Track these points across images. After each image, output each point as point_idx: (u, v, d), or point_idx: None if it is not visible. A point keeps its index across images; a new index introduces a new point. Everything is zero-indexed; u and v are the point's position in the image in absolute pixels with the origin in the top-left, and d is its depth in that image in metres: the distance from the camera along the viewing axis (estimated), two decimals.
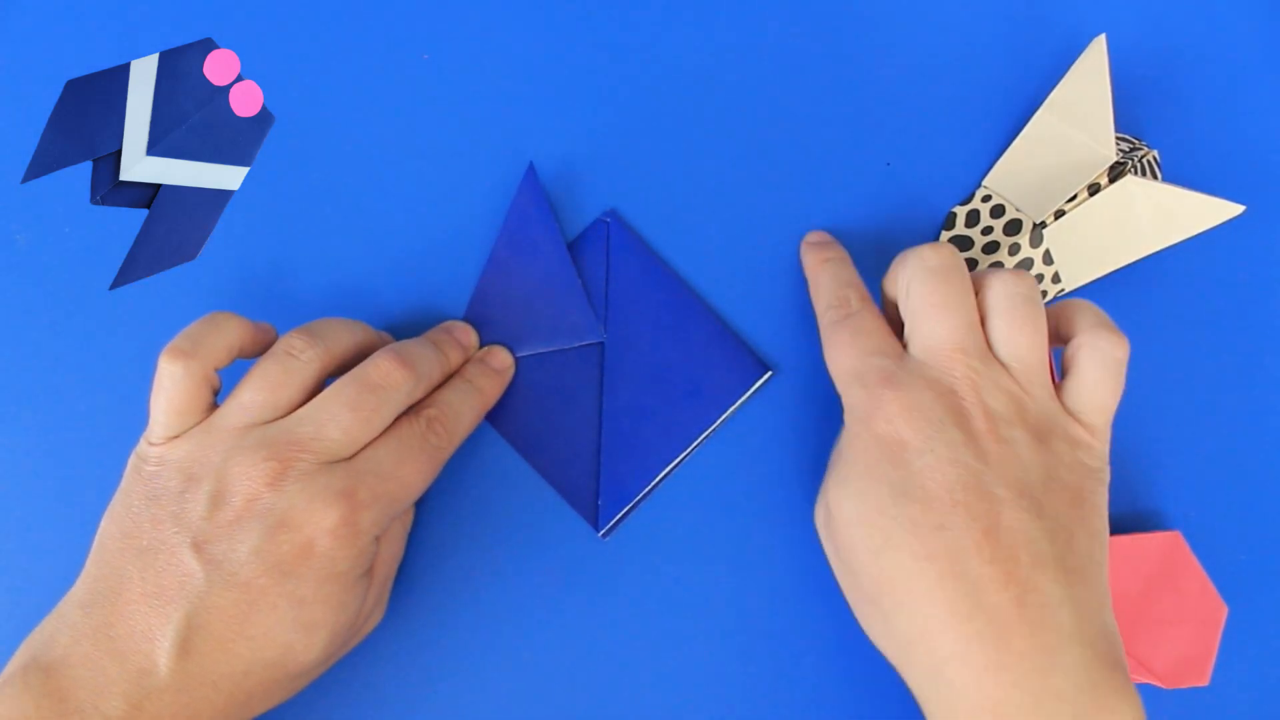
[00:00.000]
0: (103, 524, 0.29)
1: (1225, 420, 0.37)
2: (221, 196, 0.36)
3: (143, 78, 0.36)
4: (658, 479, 0.35)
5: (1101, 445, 0.29)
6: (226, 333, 0.30)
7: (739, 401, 0.35)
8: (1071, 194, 0.34)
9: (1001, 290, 0.29)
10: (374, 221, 0.36)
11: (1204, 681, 0.34)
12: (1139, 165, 0.35)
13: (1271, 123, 0.38)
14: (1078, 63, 0.36)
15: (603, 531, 0.34)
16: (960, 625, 0.26)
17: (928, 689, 0.27)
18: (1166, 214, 0.34)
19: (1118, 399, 0.29)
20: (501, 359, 0.35)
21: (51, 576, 0.34)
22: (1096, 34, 0.35)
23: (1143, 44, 0.38)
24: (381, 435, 0.29)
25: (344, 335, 0.31)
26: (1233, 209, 0.34)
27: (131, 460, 0.30)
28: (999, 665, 0.25)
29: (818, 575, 0.34)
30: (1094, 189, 0.34)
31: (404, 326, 0.36)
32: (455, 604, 0.34)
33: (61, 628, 0.27)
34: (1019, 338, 0.29)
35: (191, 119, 0.36)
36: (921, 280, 0.29)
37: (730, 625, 0.34)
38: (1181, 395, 0.37)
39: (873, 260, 0.37)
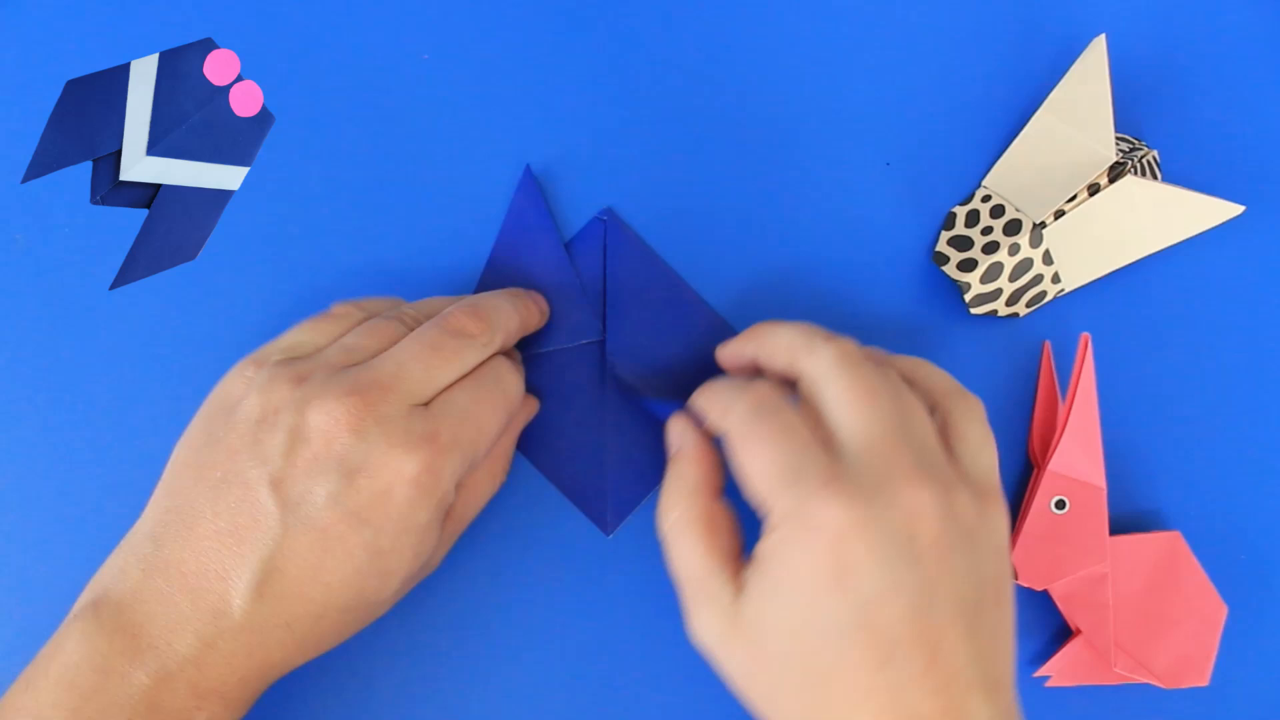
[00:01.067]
0: (176, 449, 0.29)
1: (1225, 420, 0.37)
2: (221, 196, 0.36)
3: (143, 78, 0.36)
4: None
5: (1005, 513, 0.28)
6: (388, 302, 0.32)
7: None
8: (1071, 194, 0.34)
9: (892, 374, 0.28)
10: (373, 222, 0.36)
11: (1204, 681, 0.34)
12: (1139, 165, 0.35)
13: (1271, 123, 0.38)
14: (1078, 63, 0.36)
15: (612, 534, 0.34)
16: None
17: None
18: (1166, 214, 0.34)
19: (996, 454, 0.29)
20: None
21: (52, 576, 0.34)
22: (1096, 34, 0.35)
23: (1143, 44, 0.38)
24: (458, 381, 0.29)
25: (514, 317, 0.32)
26: (1233, 209, 0.34)
27: (217, 385, 0.29)
28: None
29: None
30: (1094, 189, 0.34)
31: None
32: (462, 605, 0.34)
33: (131, 561, 0.27)
34: (929, 420, 0.28)
35: (191, 119, 0.36)
36: (836, 375, 0.27)
37: None
38: (1181, 395, 0.37)
39: (873, 260, 0.37)
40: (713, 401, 0.30)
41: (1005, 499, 0.28)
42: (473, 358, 0.30)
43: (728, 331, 0.35)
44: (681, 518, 0.29)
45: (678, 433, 0.31)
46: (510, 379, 0.31)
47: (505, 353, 0.33)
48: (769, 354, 0.30)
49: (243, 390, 0.28)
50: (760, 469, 0.27)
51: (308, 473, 0.26)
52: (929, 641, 0.25)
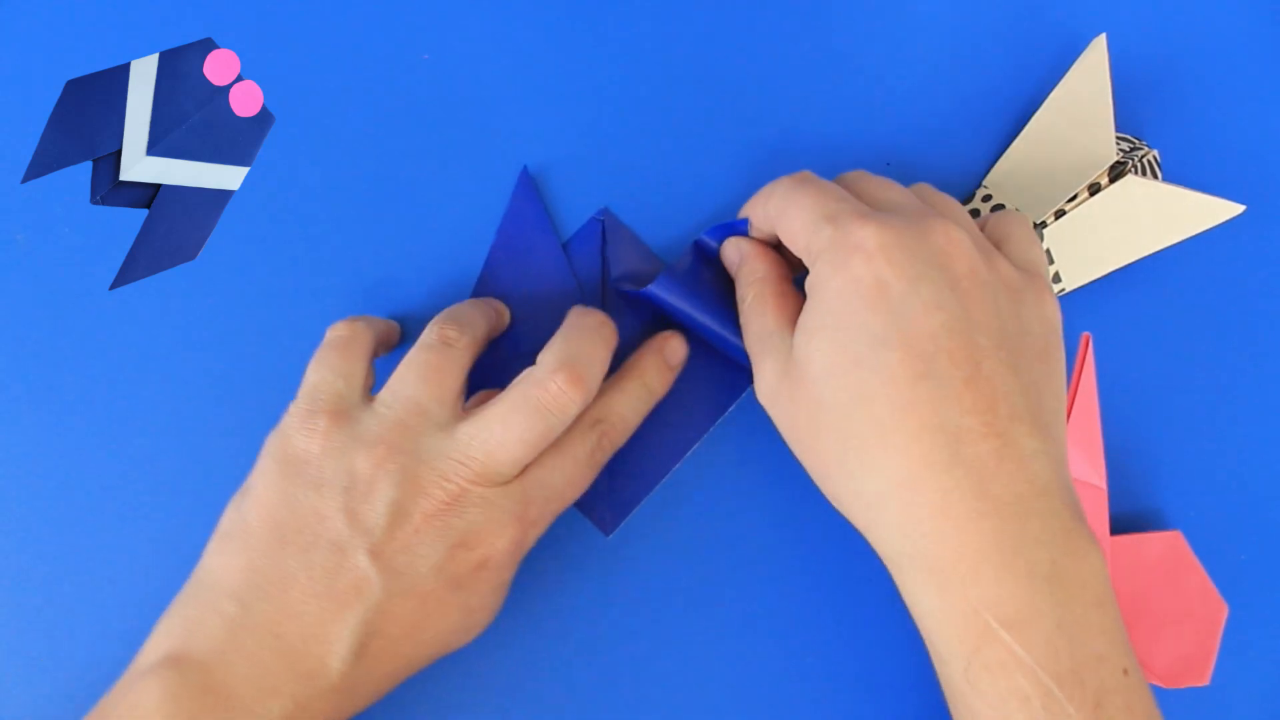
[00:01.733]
0: (244, 505, 0.28)
1: (1225, 420, 0.37)
2: (221, 196, 0.36)
3: (143, 78, 0.36)
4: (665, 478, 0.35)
5: (1056, 302, 0.29)
6: (377, 322, 0.32)
7: (741, 396, 0.35)
8: (1071, 194, 0.34)
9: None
10: (372, 222, 0.36)
11: (1204, 681, 0.34)
12: (1139, 165, 0.35)
13: (1271, 123, 0.38)
14: (1078, 63, 0.36)
15: (611, 534, 0.34)
16: (939, 477, 0.25)
17: (901, 544, 0.26)
18: (1166, 214, 0.34)
19: (1045, 256, 0.30)
20: (677, 353, 0.33)
21: (52, 576, 0.34)
22: (1096, 34, 0.35)
23: (1143, 44, 0.38)
24: (551, 449, 0.29)
25: (482, 321, 0.32)
26: (1233, 209, 0.34)
27: (276, 441, 0.29)
28: (979, 513, 0.25)
29: (821, 566, 0.34)
30: (1094, 189, 0.34)
31: (403, 327, 0.35)
32: None
33: (212, 618, 0.26)
34: (964, 214, 0.30)
35: (191, 119, 0.36)
36: (862, 177, 0.30)
37: (735, 622, 0.34)
38: (1181, 395, 0.37)
39: None
40: (753, 202, 0.31)
41: (1055, 294, 0.29)
42: (565, 426, 0.29)
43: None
44: (756, 295, 0.30)
45: (732, 247, 0.32)
46: (606, 450, 0.31)
47: (677, 346, 0.33)
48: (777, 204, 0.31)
49: (318, 449, 0.28)
50: (802, 220, 0.28)
51: (409, 545, 0.27)
52: (969, 359, 0.25)
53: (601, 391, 0.31)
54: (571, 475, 0.30)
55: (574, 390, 0.29)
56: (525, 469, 0.29)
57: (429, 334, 0.30)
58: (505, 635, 0.34)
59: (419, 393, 0.29)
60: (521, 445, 0.28)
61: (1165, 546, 0.34)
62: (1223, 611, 0.34)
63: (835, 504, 0.28)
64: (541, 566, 0.35)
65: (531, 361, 0.32)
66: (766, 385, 0.29)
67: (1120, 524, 0.35)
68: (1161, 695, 0.35)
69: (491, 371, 0.34)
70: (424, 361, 0.29)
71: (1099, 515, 0.33)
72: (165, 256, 0.36)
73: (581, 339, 0.30)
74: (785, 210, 0.29)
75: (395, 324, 0.34)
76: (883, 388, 0.25)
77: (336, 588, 0.27)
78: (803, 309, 0.28)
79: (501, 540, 0.28)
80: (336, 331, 0.31)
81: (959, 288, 0.26)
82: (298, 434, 0.28)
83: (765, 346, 0.29)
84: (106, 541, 0.34)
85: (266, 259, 0.36)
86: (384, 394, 0.29)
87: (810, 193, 0.29)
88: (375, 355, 0.31)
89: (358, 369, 0.30)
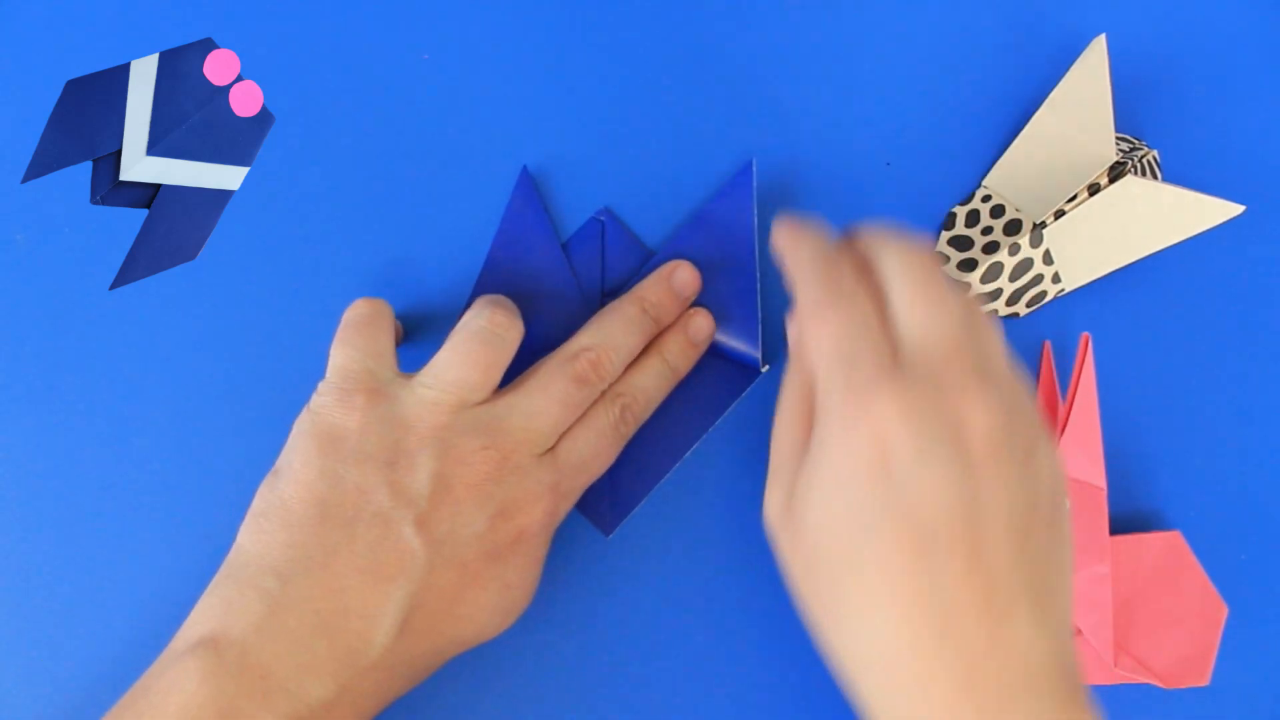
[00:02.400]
0: (279, 484, 0.28)
1: (1225, 420, 0.37)
2: (221, 196, 0.36)
3: (143, 78, 0.36)
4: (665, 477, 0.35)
5: (1058, 447, 0.29)
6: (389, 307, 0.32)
7: (741, 395, 0.35)
8: (1071, 194, 0.34)
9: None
10: (372, 222, 0.36)
11: (1204, 681, 0.34)
12: (1139, 165, 0.35)
13: (1271, 123, 0.38)
14: (1078, 63, 0.36)
15: (612, 534, 0.34)
16: (925, 659, 0.24)
17: (881, 709, 0.26)
18: (1166, 214, 0.34)
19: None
20: (702, 329, 0.34)
21: (52, 576, 0.34)
22: (1096, 34, 0.35)
23: (1143, 44, 0.38)
24: (579, 423, 0.30)
25: (513, 309, 0.32)
26: (1233, 209, 0.34)
27: (309, 420, 0.28)
28: (960, 702, 0.24)
29: None
30: (1094, 189, 0.34)
31: (404, 327, 0.36)
32: None
33: (252, 596, 0.26)
34: (1001, 342, 0.28)
35: (191, 119, 0.36)
36: (909, 275, 0.27)
37: (735, 622, 0.34)
38: (1181, 395, 0.37)
39: None
40: (794, 265, 0.29)
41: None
42: (594, 398, 0.31)
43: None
44: (791, 402, 0.29)
45: (793, 325, 0.30)
46: (629, 422, 0.32)
47: (701, 323, 0.34)
48: (865, 238, 0.30)
49: (357, 425, 0.28)
50: (820, 351, 0.27)
51: (452, 515, 0.27)
52: (972, 540, 0.24)
53: (627, 369, 0.32)
54: (598, 447, 0.31)
55: (603, 367, 0.30)
56: (556, 442, 0.30)
57: (479, 318, 0.30)
58: (505, 635, 0.34)
59: (463, 377, 0.29)
60: (560, 408, 0.29)
61: (1165, 546, 0.34)
62: (1223, 611, 0.34)
63: (820, 643, 0.28)
64: (544, 568, 0.35)
65: (531, 361, 0.32)
66: (772, 513, 0.29)
67: (1120, 524, 0.35)
68: (1161, 695, 0.35)
69: None
70: (473, 350, 0.29)
71: (1099, 515, 0.33)
72: (165, 256, 0.36)
73: (619, 323, 0.32)
74: (806, 332, 0.28)
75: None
76: (878, 558, 0.25)
77: (380, 560, 0.26)
78: (809, 451, 0.27)
79: (537, 510, 0.29)
80: (358, 310, 0.30)
81: (971, 466, 0.25)
82: (334, 411, 0.28)
83: (779, 471, 0.29)
84: (107, 542, 0.34)
85: (266, 259, 0.36)
86: (426, 375, 0.29)
87: (832, 320, 0.27)
88: (394, 333, 0.31)
89: (385, 346, 0.30)
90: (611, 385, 0.32)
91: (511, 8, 0.37)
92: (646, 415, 0.33)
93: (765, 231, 0.37)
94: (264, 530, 0.27)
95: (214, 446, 0.35)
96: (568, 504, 0.31)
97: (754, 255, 0.35)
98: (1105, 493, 0.33)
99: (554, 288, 0.35)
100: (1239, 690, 0.35)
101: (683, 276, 0.34)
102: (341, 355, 0.29)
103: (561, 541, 0.35)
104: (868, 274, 0.29)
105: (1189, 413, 0.37)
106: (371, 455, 0.27)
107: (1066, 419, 0.33)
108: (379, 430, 0.28)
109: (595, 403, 0.31)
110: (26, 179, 0.35)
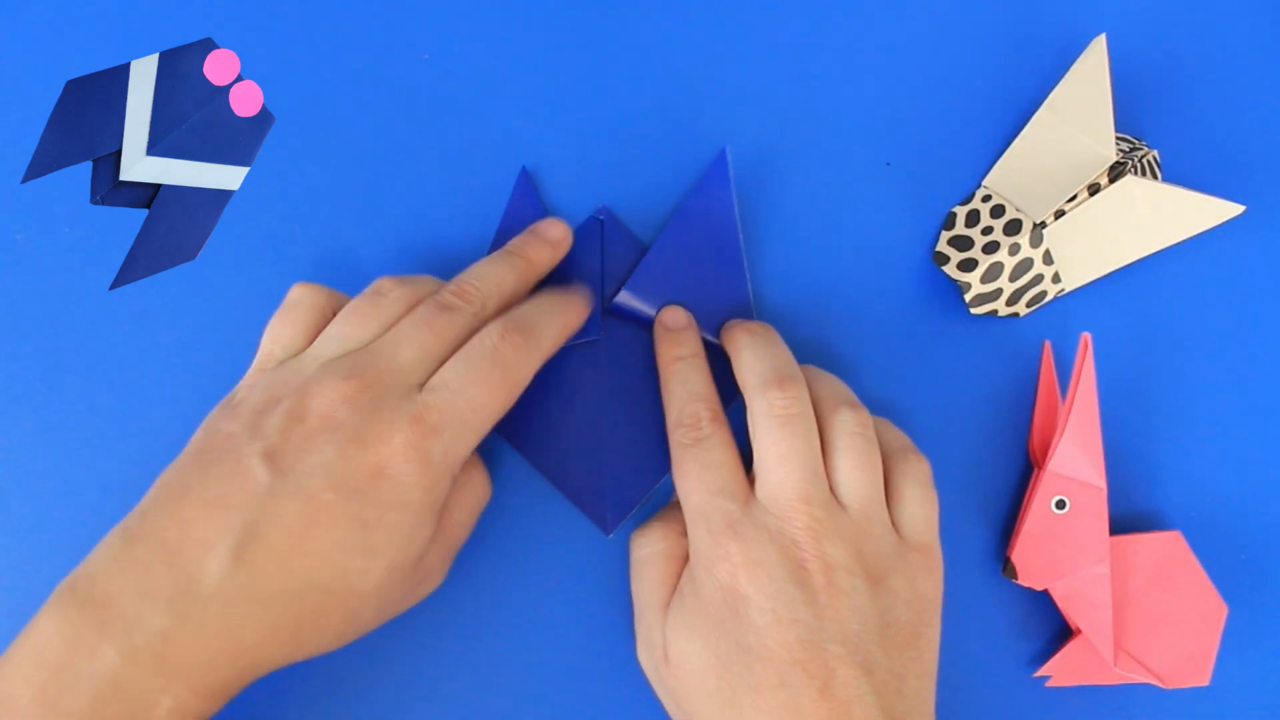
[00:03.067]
0: (181, 453, 0.29)
1: (1225, 420, 0.37)
2: (221, 196, 0.36)
3: (143, 78, 0.36)
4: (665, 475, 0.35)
5: (936, 564, 0.31)
6: (341, 294, 0.32)
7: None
8: (1071, 194, 0.34)
9: (842, 428, 0.31)
10: (372, 222, 0.36)
11: (1204, 681, 0.34)
12: (1139, 165, 0.35)
13: (1271, 123, 0.38)
14: (1078, 63, 0.36)
15: (612, 533, 0.34)
16: None
17: None
18: (1166, 214, 0.34)
19: (937, 512, 0.31)
20: (581, 288, 0.34)
21: (51, 576, 0.34)
22: (1096, 34, 0.35)
23: (1143, 44, 0.38)
24: (453, 356, 0.29)
25: (430, 283, 0.32)
26: (1233, 209, 0.34)
27: (221, 401, 0.30)
28: None
29: None
30: (1094, 189, 0.34)
31: None
32: (461, 605, 0.34)
33: (114, 534, 0.27)
34: (859, 475, 0.30)
35: (191, 119, 0.36)
36: (768, 427, 0.30)
37: None
38: (1181, 395, 0.37)
39: (873, 260, 0.37)
40: (664, 388, 0.33)
41: (939, 554, 0.31)
42: (465, 325, 0.30)
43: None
44: (648, 557, 0.32)
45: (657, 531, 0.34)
46: (514, 347, 0.29)
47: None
48: (738, 368, 0.32)
49: (244, 395, 0.29)
50: (683, 494, 0.31)
51: (301, 445, 0.27)
52: (821, 670, 0.27)
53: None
54: (472, 374, 0.28)
55: (468, 291, 0.30)
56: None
57: (438, 296, 0.31)
58: (506, 633, 0.34)
59: (343, 331, 0.30)
60: (423, 331, 0.29)
61: (1165, 546, 0.34)
62: (1223, 611, 0.34)
63: None
64: (541, 566, 0.35)
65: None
66: (648, 663, 0.32)
67: (1120, 524, 0.35)
68: (1162, 695, 0.35)
69: None
70: (354, 307, 0.30)
71: (1099, 515, 0.33)
72: (165, 256, 0.36)
73: (486, 261, 0.32)
74: (680, 470, 0.31)
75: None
76: (747, 693, 0.27)
77: (226, 491, 0.26)
78: (677, 594, 0.30)
79: (397, 440, 0.27)
80: (290, 295, 0.31)
81: (814, 600, 0.28)
82: (236, 390, 0.30)
83: (648, 624, 0.31)
84: None
85: (266, 259, 0.36)
86: (315, 341, 0.30)
87: (692, 474, 0.30)
88: (329, 316, 0.31)
89: (295, 333, 0.31)
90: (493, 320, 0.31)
91: (511, 8, 0.37)
92: (536, 346, 0.30)
93: (752, 220, 0.37)
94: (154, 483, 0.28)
95: None
96: (444, 444, 0.28)
97: (740, 246, 0.35)
98: (1105, 493, 0.33)
99: (553, 285, 0.35)
100: (1239, 690, 0.35)
101: (549, 231, 0.34)
102: (262, 341, 0.31)
103: (562, 541, 0.35)
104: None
105: (1189, 413, 0.37)
106: (247, 409, 0.28)
107: (1066, 419, 0.33)
108: (260, 390, 0.29)
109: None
110: (26, 179, 0.35)
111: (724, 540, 0.29)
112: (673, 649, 0.30)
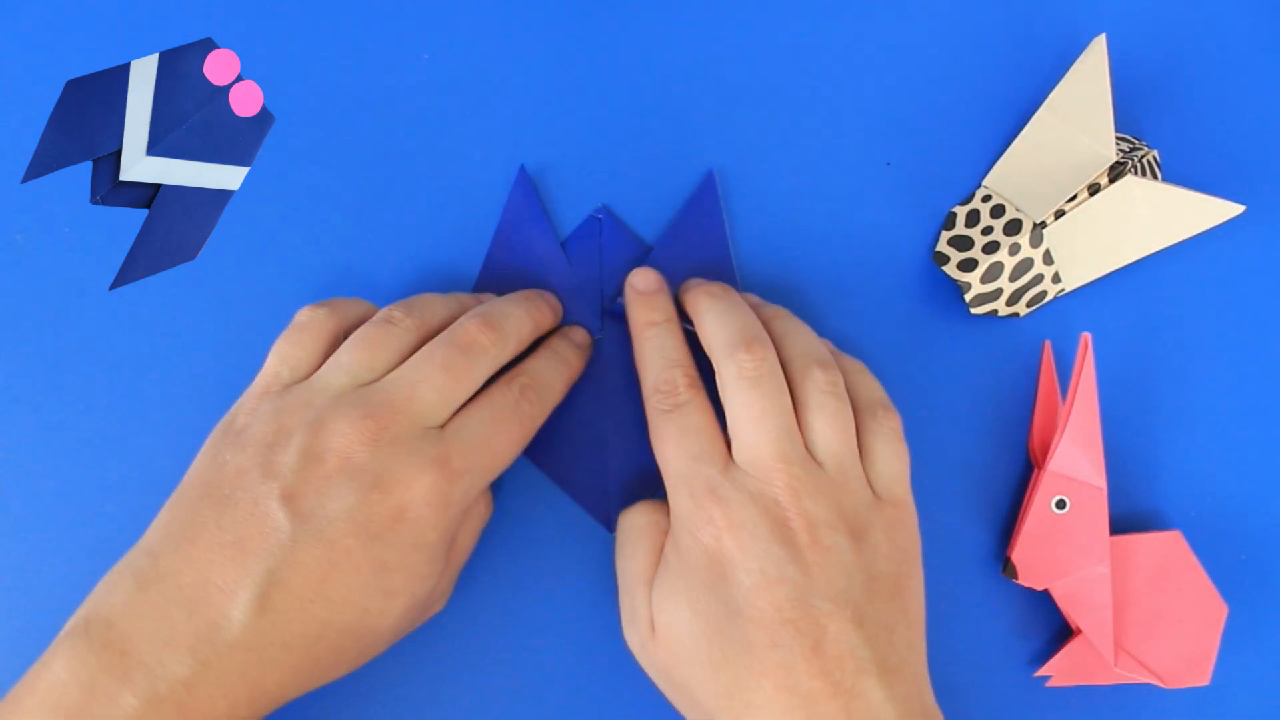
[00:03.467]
0: (184, 479, 0.29)
1: (1225, 420, 0.37)
2: (221, 196, 0.36)
3: (143, 78, 0.36)
4: None
5: (911, 517, 0.30)
6: (357, 304, 0.32)
7: None
8: (1071, 194, 0.34)
9: (812, 387, 0.30)
10: (372, 222, 0.36)
11: (1204, 681, 0.34)
12: (1139, 165, 0.35)
13: (1271, 123, 0.38)
14: (1078, 63, 0.36)
15: (615, 530, 0.35)
16: None
17: None
18: (1166, 214, 0.34)
19: (908, 464, 0.31)
20: (582, 335, 0.35)
21: (51, 576, 0.34)
22: (1096, 34, 0.35)
23: (1143, 44, 0.38)
24: (473, 401, 0.30)
25: (439, 308, 0.32)
26: (1233, 209, 0.34)
27: (221, 421, 0.30)
28: None
29: None
30: (1094, 189, 0.34)
31: None
32: (466, 604, 0.34)
33: (125, 575, 0.26)
34: (832, 433, 0.30)
35: (191, 119, 0.36)
36: (738, 389, 0.30)
37: None
38: (1181, 395, 0.37)
39: (873, 260, 0.37)
40: (638, 358, 0.32)
41: (913, 507, 0.31)
42: (484, 371, 0.30)
43: None
44: (633, 533, 0.31)
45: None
46: (532, 403, 0.31)
47: (579, 330, 0.35)
48: (702, 333, 0.32)
49: (248, 419, 0.29)
50: (663, 461, 0.30)
51: (320, 489, 0.27)
52: (812, 627, 0.27)
53: (523, 359, 0.32)
54: (495, 424, 0.29)
55: (489, 330, 0.30)
56: (449, 420, 0.29)
57: (379, 314, 0.31)
58: (508, 631, 0.34)
59: (354, 359, 0.29)
60: (443, 374, 0.28)
61: (1165, 546, 0.34)
62: (1223, 611, 0.34)
63: None
64: (543, 564, 0.35)
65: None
66: (634, 639, 0.31)
67: (1120, 524, 0.35)
68: (1162, 695, 0.35)
69: None
70: (364, 335, 0.30)
71: (1099, 515, 0.33)
72: (165, 256, 0.36)
73: (503, 300, 0.32)
74: (658, 436, 0.31)
75: (370, 305, 0.33)
76: (740, 655, 0.27)
77: (244, 535, 0.26)
78: (662, 563, 0.30)
79: (419, 485, 0.27)
80: (298, 317, 0.31)
81: (801, 559, 0.27)
82: (234, 410, 0.30)
83: (633, 598, 0.31)
84: (105, 543, 0.34)
85: (266, 259, 0.36)
86: (323, 368, 0.30)
87: (671, 439, 0.30)
88: (338, 339, 0.31)
89: (304, 354, 0.30)
90: (508, 371, 0.31)
91: (510, 8, 0.37)
92: (548, 399, 0.32)
93: (752, 221, 0.37)
94: (159, 515, 0.28)
95: None
96: (464, 486, 0.28)
97: (732, 264, 0.35)
98: (1105, 493, 0.33)
99: (553, 285, 0.35)
100: (1239, 690, 0.35)
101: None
102: (268, 361, 0.31)
103: (564, 539, 0.35)
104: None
105: (1189, 413, 0.37)
106: (255, 440, 0.28)
107: (1066, 419, 0.33)
108: (266, 418, 0.28)
109: (493, 382, 0.30)
110: (26, 179, 0.35)
111: (706, 505, 0.28)
112: (660, 617, 0.29)
